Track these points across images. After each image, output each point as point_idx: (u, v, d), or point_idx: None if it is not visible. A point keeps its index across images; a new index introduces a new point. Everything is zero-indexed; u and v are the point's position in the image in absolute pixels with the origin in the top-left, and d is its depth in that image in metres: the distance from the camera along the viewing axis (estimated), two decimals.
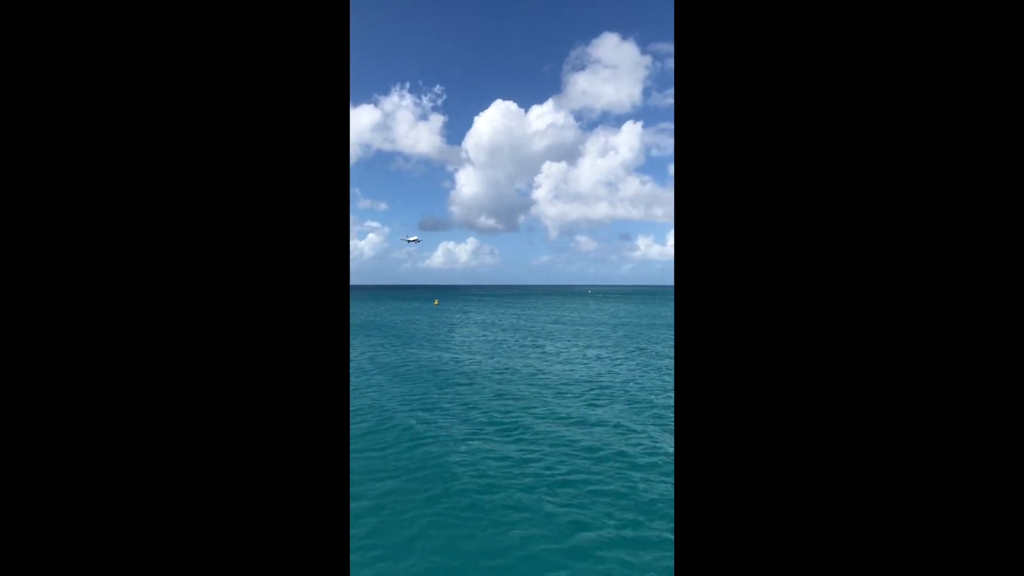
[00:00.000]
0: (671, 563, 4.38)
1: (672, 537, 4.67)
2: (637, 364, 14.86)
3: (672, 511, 5.28)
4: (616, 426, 8.48)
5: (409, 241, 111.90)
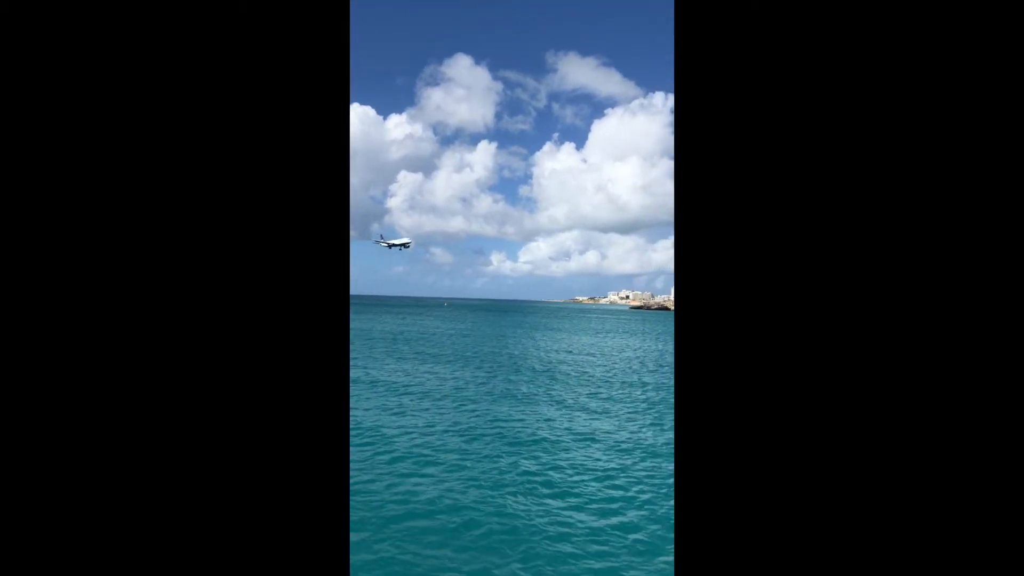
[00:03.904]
0: None
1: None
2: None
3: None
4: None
5: (392, 246, 72.95)
